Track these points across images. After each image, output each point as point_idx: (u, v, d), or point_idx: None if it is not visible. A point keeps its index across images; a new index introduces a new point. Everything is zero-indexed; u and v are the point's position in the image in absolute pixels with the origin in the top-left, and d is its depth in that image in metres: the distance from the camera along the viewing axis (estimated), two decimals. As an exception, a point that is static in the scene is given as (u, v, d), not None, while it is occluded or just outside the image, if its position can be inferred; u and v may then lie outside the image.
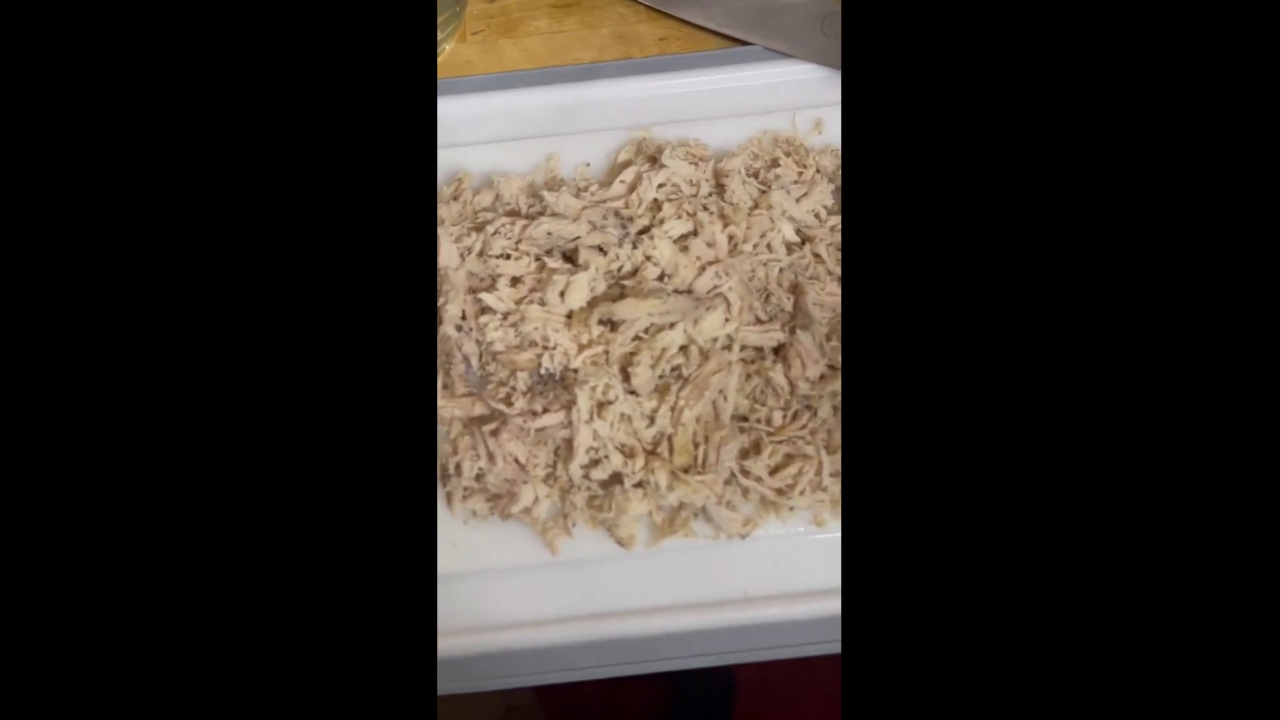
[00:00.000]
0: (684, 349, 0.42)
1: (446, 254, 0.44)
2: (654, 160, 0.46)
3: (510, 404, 0.41)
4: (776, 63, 0.50)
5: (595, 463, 0.41)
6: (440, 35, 0.51)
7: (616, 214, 0.45)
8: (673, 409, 0.41)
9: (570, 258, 0.44)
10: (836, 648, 0.41)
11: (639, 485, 0.41)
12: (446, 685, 0.41)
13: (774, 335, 0.43)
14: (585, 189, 0.46)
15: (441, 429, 0.43)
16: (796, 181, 0.46)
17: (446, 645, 0.40)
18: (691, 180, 0.46)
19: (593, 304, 0.42)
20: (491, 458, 0.41)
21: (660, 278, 0.43)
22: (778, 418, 0.41)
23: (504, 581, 0.41)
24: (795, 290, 0.44)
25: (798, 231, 0.45)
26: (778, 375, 0.42)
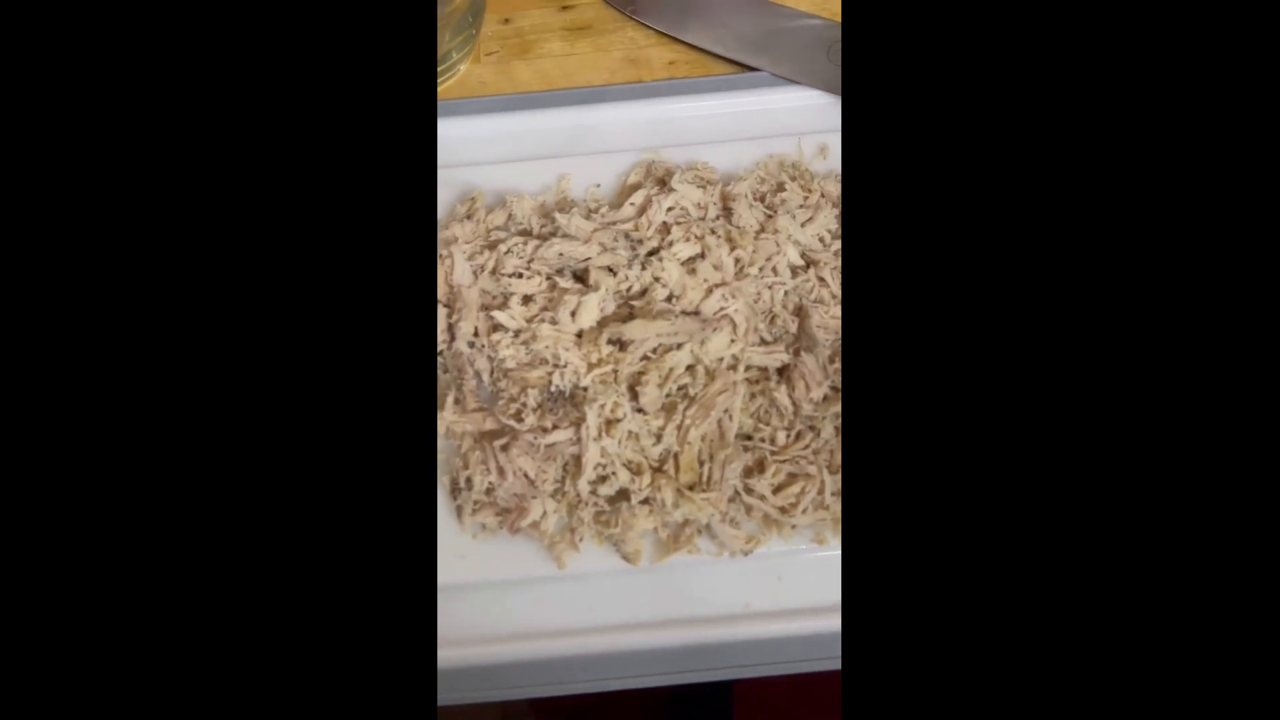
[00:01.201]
0: (690, 369, 0.43)
1: (460, 271, 0.45)
2: (663, 183, 0.47)
3: (521, 420, 0.42)
4: (783, 88, 0.51)
5: (603, 479, 0.42)
6: (455, 56, 0.52)
7: (626, 236, 0.46)
8: (679, 427, 0.42)
9: (581, 278, 0.45)
10: (837, 664, 0.42)
11: (645, 502, 0.42)
12: (453, 695, 0.41)
13: (778, 357, 0.44)
14: (596, 210, 0.48)
15: (453, 443, 0.44)
16: (802, 206, 0.47)
17: (454, 655, 0.41)
18: (699, 204, 0.47)
19: (602, 324, 0.44)
20: (502, 472, 0.42)
21: (668, 299, 0.44)
22: (781, 437, 0.42)
23: (511, 594, 0.42)
24: (799, 313, 0.45)
25: (802, 255, 0.46)
26: (782, 396, 0.43)
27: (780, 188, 0.48)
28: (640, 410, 0.42)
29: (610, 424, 0.42)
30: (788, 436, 0.43)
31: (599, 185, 0.49)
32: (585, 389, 0.42)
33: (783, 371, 0.44)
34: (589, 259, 0.45)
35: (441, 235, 0.47)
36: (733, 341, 0.43)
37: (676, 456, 0.42)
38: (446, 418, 0.43)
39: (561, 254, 0.45)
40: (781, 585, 0.42)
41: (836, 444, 0.42)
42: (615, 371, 0.42)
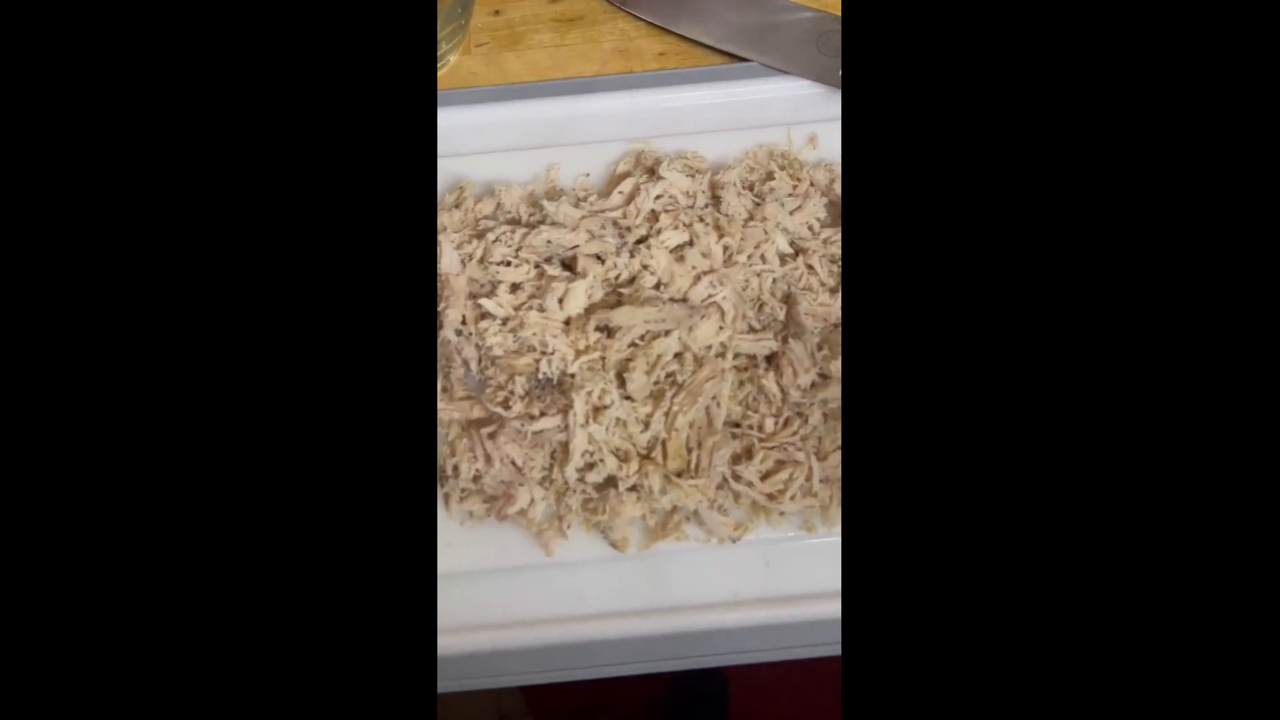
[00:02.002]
0: (679, 356, 0.43)
1: (448, 260, 0.45)
2: (652, 172, 0.47)
3: (508, 407, 0.42)
4: (773, 79, 0.51)
5: (590, 466, 0.42)
6: (445, 47, 0.52)
7: (615, 224, 0.46)
8: (667, 414, 0.42)
9: (569, 266, 0.45)
10: (825, 650, 0.42)
11: (633, 489, 0.42)
12: (441, 683, 0.41)
13: (766, 344, 0.44)
14: (584, 199, 0.47)
15: (440, 431, 0.44)
16: (791, 195, 0.47)
17: (442, 643, 0.41)
18: (688, 192, 0.47)
19: (590, 311, 0.43)
20: (489, 460, 0.42)
21: (656, 286, 0.44)
22: (769, 424, 0.42)
23: (499, 582, 0.42)
24: (788, 300, 0.45)
25: (791, 243, 0.46)
26: (770, 383, 0.43)
27: (769, 176, 0.48)
28: (628, 397, 0.42)
29: (598, 411, 0.42)
30: (776, 423, 0.42)
31: (588, 175, 0.49)
32: (573, 376, 0.42)
33: (771, 359, 0.44)
34: (577, 246, 0.45)
35: (430, 224, 0.47)
36: (721, 329, 0.43)
37: (664, 443, 0.42)
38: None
39: (549, 242, 0.45)
40: (769, 572, 0.42)
41: (824, 431, 0.42)
42: (603, 358, 0.42)
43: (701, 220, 0.46)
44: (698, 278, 0.44)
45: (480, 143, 0.50)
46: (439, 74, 0.53)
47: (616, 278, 0.45)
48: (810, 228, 0.47)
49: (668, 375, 0.43)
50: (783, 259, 0.46)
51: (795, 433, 0.42)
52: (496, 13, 0.55)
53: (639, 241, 0.45)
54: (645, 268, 0.44)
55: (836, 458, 0.42)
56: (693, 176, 0.47)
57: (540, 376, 0.43)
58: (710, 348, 0.43)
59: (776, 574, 0.42)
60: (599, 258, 0.45)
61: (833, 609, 0.41)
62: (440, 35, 0.51)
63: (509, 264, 0.45)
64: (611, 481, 0.42)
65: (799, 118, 0.51)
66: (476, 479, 0.42)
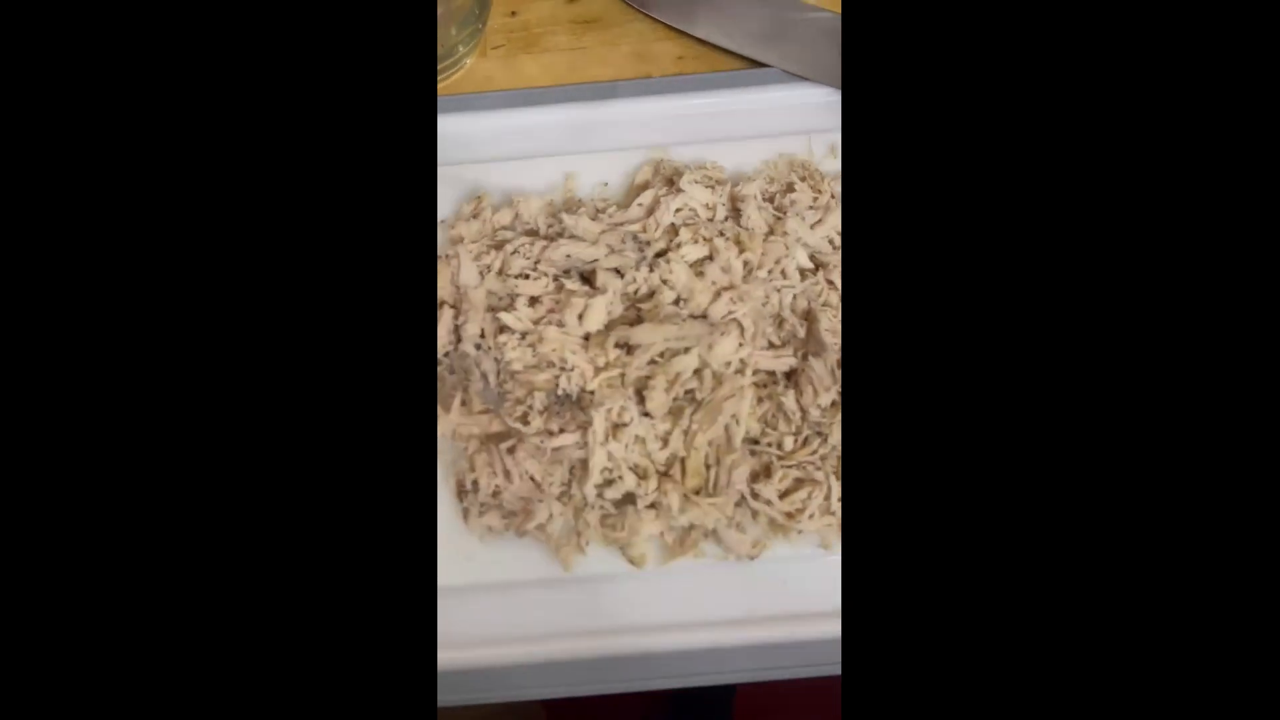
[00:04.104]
0: (698, 373, 0.43)
1: (466, 272, 0.45)
2: (671, 183, 0.47)
3: (527, 423, 0.42)
4: (793, 85, 0.51)
5: (609, 483, 0.42)
6: (461, 50, 0.52)
7: (634, 237, 0.45)
8: (685, 432, 0.42)
9: (588, 279, 0.45)
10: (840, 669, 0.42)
11: (651, 506, 0.42)
12: (458, 696, 0.42)
13: (786, 361, 0.43)
14: (603, 210, 0.47)
15: (459, 445, 0.44)
16: (811, 207, 0.47)
17: (460, 657, 0.41)
18: (708, 205, 0.46)
19: (610, 327, 0.43)
20: (508, 475, 0.42)
21: (676, 302, 0.44)
22: (789, 442, 0.42)
23: (517, 596, 0.42)
24: (808, 317, 0.44)
25: (811, 258, 0.46)
26: (789, 400, 0.43)
27: (790, 188, 0.47)
28: (647, 414, 0.42)
29: (617, 428, 0.42)
30: (795, 441, 0.42)
31: (606, 184, 0.49)
32: (592, 392, 0.42)
33: (790, 376, 0.44)
34: (596, 260, 0.45)
35: (448, 235, 0.47)
36: (740, 345, 0.43)
37: (683, 461, 0.42)
38: (453, 420, 0.43)
39: (569, 255, 0.45)
40: (787, 590, 0.42)
41: (844, 449, 0.42)
42: (622, 375, 0.42)
43: (721, 234, 0.45)
44: (717, 293, 0.44)
45: (498, 149, 0.50)
46: (455, 77, 0.53)
47: (636, 292, 0.44)
48: (831, 242, 0.46)
49: (687, 393, 0.43)
50: (803, 274, 0.45)
51: (815, 451, 0.42)
52: (513, 14, 0.54)
53: (658, 255, 0.45)
54: (665, 282, 0.44)
55: (855, 476, 0.42)
56: (713, 188, 0.47)
57: (559, 392, 0.43)
58: (729, 365, 0.43)
59: (794, 592, 0.42)
60: (618, 272, 0.45)
61: (849, 626, 0.41)
62: (457, 39, 0.51)
63: (528, 276, 0.45)
64: (630, 498, 0.42)
65: (820, 125, 0.50)
66: (496, 494, 0.42)
